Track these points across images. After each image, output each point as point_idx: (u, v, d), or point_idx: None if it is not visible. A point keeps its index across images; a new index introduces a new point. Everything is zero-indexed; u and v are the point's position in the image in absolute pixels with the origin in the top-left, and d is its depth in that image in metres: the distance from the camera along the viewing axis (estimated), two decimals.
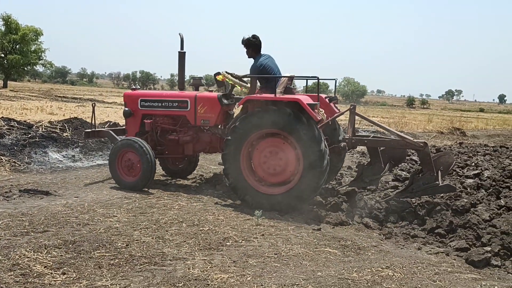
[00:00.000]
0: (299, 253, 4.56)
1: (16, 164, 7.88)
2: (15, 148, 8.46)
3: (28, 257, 3.95)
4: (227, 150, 6.26)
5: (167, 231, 4.95)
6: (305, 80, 6.78)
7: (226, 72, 6.99)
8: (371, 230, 5.88)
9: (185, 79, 8.02)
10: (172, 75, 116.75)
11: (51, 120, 10.49)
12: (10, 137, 8.78)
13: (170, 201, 6.23)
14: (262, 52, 6.91)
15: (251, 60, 6.86)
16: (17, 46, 43.91)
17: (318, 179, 5.95)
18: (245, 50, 6.89)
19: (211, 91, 7.82)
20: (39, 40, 45.44)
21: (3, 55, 43.63)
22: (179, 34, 7.34)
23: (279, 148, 6.16)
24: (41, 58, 45.98)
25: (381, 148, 6.88)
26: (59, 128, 9.68)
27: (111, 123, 9.99)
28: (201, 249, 4.47)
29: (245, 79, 7.15)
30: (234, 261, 4.24)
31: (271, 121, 6.00)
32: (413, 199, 6.55)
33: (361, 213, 6.35)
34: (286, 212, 6.04)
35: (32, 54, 44.45)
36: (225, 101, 7.01)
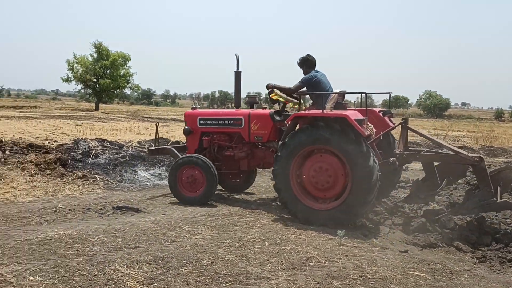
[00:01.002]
0: (386, 276, 4.38)
1: (109, 182, 8.43)
2: (108, 167, 9.08)
3: (122, 272, 4.17)
4: (277, 166, 6.43)
5: (250, 249, 5.00)
6: (360, 95, 6.83)
7: (274, 84, 7.33)
8: (463, 253, 5.53)
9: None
10: (248, 93, 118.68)
11: (140, 140, 11.12)
12: (103, 156, 9.44)
13: (251, 219, 6.30)
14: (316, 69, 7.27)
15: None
16: (108, 71, 47.28)
17: (367, 194, 5.92)
18: (301, 70, 7.30)
19: (265, 108, 8.05)
20: (127, 65, 48.65)
21: (95, 80, 47.18)
22: (235, 54, 7.75)
23: (327, 163, 6.21)
24: (129, 81, 49.10)
25: (437, 164, 6.65)
26: (147, 148, 10.22)
27: (173, 142, 10.31)
28: (284, 269, 4.46)
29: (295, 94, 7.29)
30: (318, 282, 4.17)
31: (319, 137, 6.11)
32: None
33: (451, 234, 5.99)
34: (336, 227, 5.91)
35: (121, 78, 47.62)
36: (277, 118, 7.33)
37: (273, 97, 7.31)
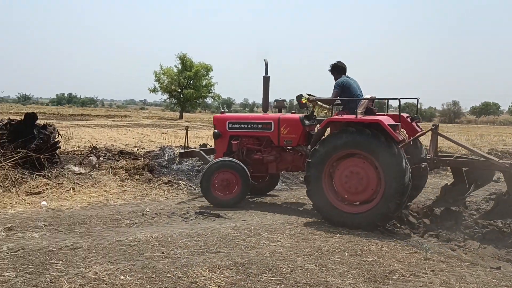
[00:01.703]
0: None
1: (192, 188, 8.74)
2: (191, 173, 9.43)
3: (204, 276, 4.30)
4: (309, 172, 6.47)
5: (329, 259, 4.93)
6: (388, 101, 7.08)
7: (307, 94, 7.33)
8: None
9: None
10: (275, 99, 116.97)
11: None
12: (187, 163, 9.83)
13: (331, 228, 6.21)
14: (347, 75, 7.35)
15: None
16: (191, 82, 49.36)
17: (400, 197, 6.01)
18: (333, 76, 7.36)
19: (294, 112, 8.10)
20: (209, 75, 50.45)
21: (179, 90, 49.45)
22: (264, 60, 7.89)
23: (360, 168, 6.30)
24: (210, 91, 50.89)
25: (465, 169, 6.69)
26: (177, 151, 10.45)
27: (201, 144, 10.43)
28: (365, 281, 4.33)
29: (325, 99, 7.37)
30: None
31: (352, 142, 6.22)
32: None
33: None
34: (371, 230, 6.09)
35: (203, 88, 49.50)
36: (307, 122, 7.53)
37: (303, 102, 7.33)
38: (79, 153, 9.70)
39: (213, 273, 4.37)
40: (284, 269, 4.55)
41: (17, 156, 7.92)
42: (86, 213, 6.64)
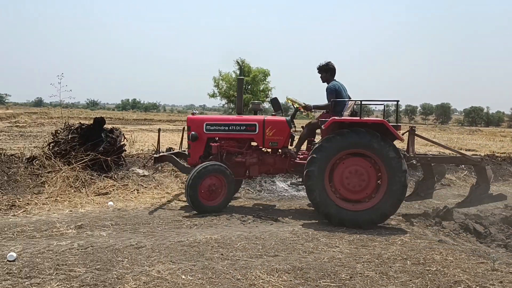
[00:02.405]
0: None
1: (250, 191, 8.84)
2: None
3: (262, 279, 4.34)
4: (312, 167, 6.51)
5: (390, 267, 4.80)
6: (384, 104, 7.17)
7: (314, 105, 7.56)
8: None
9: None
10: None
11: None
12: None
13: (391, 236, 6.05)
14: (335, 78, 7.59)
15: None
16: (249, 87, 49.85)
17: (401, 196, 6.40)
18: (321, 75, 7.61)
19: (274, 115, 7.80)
20: (267, 80, 50.72)
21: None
22: (237, 61, 8.07)
23: (361, 166, 6.55)
24: (267, 96, 51.10)
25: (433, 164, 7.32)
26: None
27: (168, 148, 9.75)
28: None
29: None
30: None
31: (357, 141, 6.44)
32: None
33: None
34: (370, 228, 6.34)
35: (260, 93, 49.83)
36: (292, 124, 7.56)
37: (289, 103, 7.52)
38: (143, 156, 10.08)
39: (271, 276, 4.39)
40: (343, 276, 4.49)
41: (87, 158, 8.37)
42: (150, 214, 6.91)
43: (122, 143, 9.37)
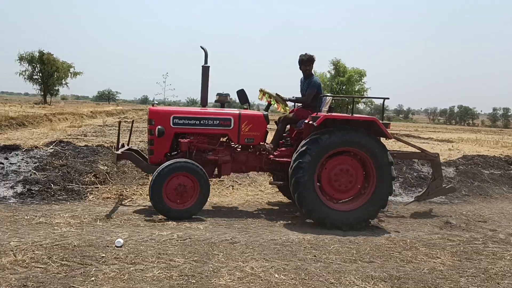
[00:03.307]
0: None
1: None
2: None
3: (357, 285, 4.21)
4: (300, 173, 6.15)
5: (498, 283, 4.42)
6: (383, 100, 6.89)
7: (295, 97, 7.17)
8: None
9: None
10: (494, 109, 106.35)
11: None
12: None
13: (499, 250, 5.57)
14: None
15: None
16: (343, 87, 48.97)
17: (389, 193, 6.45)
18: (306, 68, 7.16)
19: (246, 108, 7.21)
20: (363, 81, 49.44)
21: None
22: (202, 47, 7.01)
23: (348, 165, 6.44)
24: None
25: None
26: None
27: (122, 144, 8.24)
28: None
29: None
30: None
31: (348, 140, 6.28)
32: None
33: None
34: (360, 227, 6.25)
35: (355, 94, 48.69)
36: (268, 119, 7.06)
37: (259, 97, 7.09)
38: None
39: (367, 283, 4.25)
40: None
41: None
42: (243, 210, 7.05)
43: None
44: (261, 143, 7.01)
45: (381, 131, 6.50)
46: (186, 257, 4.66)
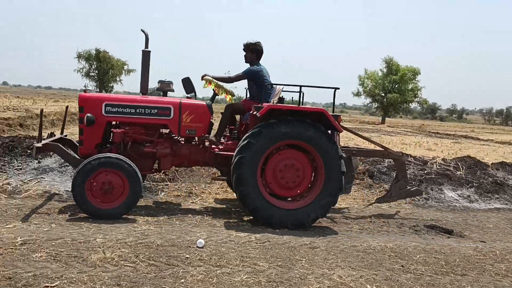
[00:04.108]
0: None
1: (416, 199, 8.25)
2: (413, 182, 8.85)
3: None
4: (241, 169, 5.76)
5: None
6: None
7: (212, 76, 6.57)
8: None
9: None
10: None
11: (444, 157, 10.58)
12: (408, 172, 9.34)
13: None
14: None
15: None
16: (396, 86, 47.71)
17: (339, 190, 6.00)
18: (245, 54, 6.76)
19: (189, 97, 6.73)
20: (416, 79, 47.96)
21: (383, 94, 48.27)
22: (142, 30, 6.54)
23: (295, 159, 6.01)
24: (416, 95, 48.35)
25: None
26: (453, 166, 9.63)
27: (50, 133, 7.62)
28: None
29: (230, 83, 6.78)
30: None
31: (292, 132, 5.87)
32: None
33: None
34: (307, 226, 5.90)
35: (408, 92, 47.36)
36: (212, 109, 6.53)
37: (204, 85, 6.53)
38: None
39: None
40: None
41: None
42: None
43: None
44: (204, 135, 6.48)
45: (331, 124, 6.00)
46: (270, 262, 4.53)
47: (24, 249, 4.32)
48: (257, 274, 4.18)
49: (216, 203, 7.07)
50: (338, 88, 6.17)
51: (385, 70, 48.74)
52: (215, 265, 4.34)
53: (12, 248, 4.30)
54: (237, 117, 7.14)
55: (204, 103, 6.51)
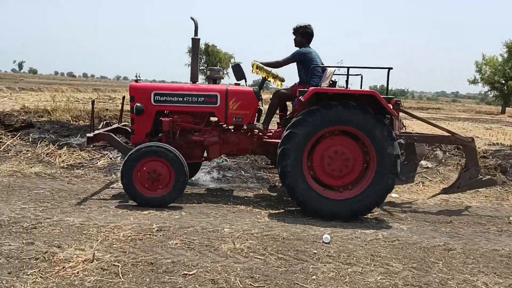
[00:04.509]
0: None
1: None
2: None
3: None
4: (286, 161, 5.42)
5: None
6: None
7: (261, 62, 6.25)
8: None
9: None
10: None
11: None
12: None
13: None
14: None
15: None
16: None
17: (394, 174, 5.46)
18: (295, 37, 6.53)
19: (238, 84, 6.41)
20: None
21: (503, 82, 43.93)
22: (192, 18, 6.26)
23: (345, 146, 5.58)
24: None
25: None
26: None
27: (105, 123, 7.11)
28: None
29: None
30: None
31: (341, 118, 5.43)
32: None
33: None
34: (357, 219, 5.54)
35: None
36: (260, 96, 6.30)
37: (252, 71, 6.25)
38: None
39: None
40: None
41: None
42: (443, 211, 6.38)
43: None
44: (251, 123, 6.27)
45: (382, 107, 5.45)
46: (403, 263, 4.24)
47: (160, 235, 4.53)
48: (392, 276, 3.93)
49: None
50: (392, 68, 5.63)
51: (505, 55, 44.15)
52: (345, 262, 4.17)
53: (150, 235, 4.54)
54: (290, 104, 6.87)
55: (251, 89, 6.30)
